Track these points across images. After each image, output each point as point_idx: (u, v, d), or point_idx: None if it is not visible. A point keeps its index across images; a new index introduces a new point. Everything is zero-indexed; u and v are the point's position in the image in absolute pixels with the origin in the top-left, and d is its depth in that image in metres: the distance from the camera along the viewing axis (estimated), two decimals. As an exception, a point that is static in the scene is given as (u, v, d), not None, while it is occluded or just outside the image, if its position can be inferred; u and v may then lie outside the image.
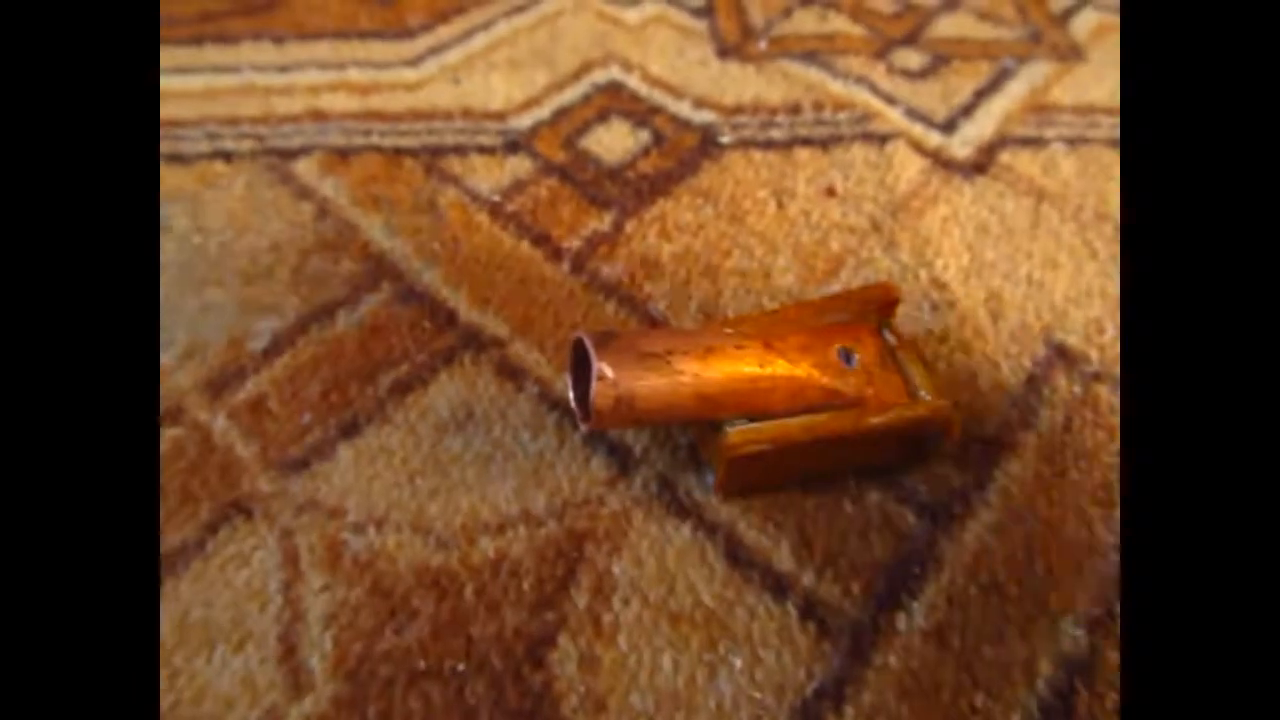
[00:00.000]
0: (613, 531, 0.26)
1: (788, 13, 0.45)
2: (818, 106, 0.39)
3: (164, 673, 0.23)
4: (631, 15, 0.44)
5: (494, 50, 0.42)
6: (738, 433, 0.25)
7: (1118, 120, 0.36)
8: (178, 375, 0.29)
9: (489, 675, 0.23)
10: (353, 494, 0.27)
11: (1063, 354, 0.30)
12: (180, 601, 0.25)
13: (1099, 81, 0.41)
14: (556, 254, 0.33)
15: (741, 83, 0.41)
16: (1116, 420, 0.28)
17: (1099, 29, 0.45)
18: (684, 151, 0.37)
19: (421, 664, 0.23)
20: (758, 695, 0.23)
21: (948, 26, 0.45)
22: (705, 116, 0.39)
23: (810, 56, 0.42)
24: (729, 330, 0.26)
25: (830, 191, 0.35)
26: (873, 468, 0.27)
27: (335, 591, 0.25)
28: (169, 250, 0.33)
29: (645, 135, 0.38)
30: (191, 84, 0.40)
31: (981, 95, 0.41)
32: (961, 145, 0.38)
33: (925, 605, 0.24)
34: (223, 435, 0.28)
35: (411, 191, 0.35)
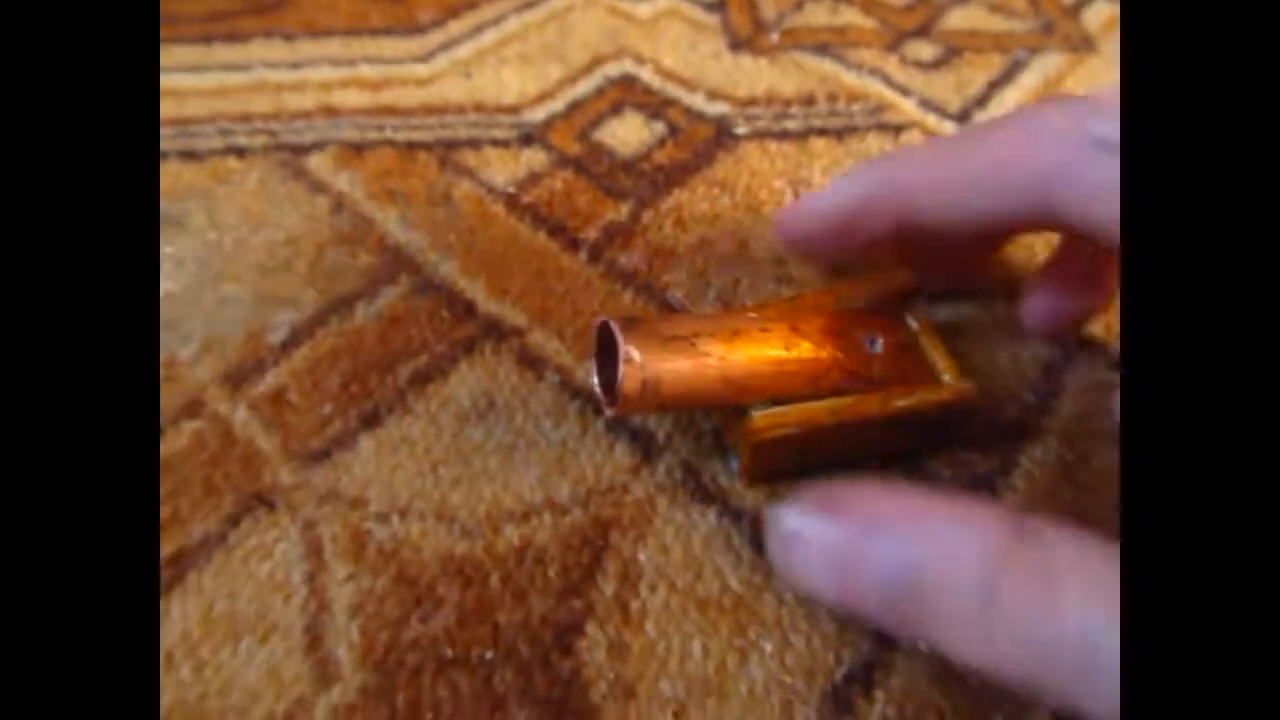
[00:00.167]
0: (638, 519, 0.26)
1: (799, 6, 0.45)
2: (832, 98, 0.39)
3: (189, 665, 0.23)
4: (643, 9, 0.44)
5: (505, 45, 0.42)
6: (763, 416, 0.24)
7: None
8: (197, 369, 0.29)
9: (517, 663, 0.23)
10: (375, 484, 0.26)
11: (1083, 340, 0.30)
12: (204, 594, 0.24)
13: (1111, 73, 0.41)
14: (573, 244, 0.33)
15: (755, 75, 0.41)
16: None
17: (1111, 21, 0.45)
18: (698, 143, 0.37)
19: (449, 652, 0.23)
20: (788, 680, 0.23)
21: (960, 19, 0.45)
22: (719, 108, 0.39)
23: (823, 49, 0.42)
24: (753, 314, 0.26)
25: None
26: (896, 453, 0.27)
27: (360, 581, 0.25)
28: (185, 247, 0.33)
29: (660, 127, 0.38)
30: (203, 82, 0.40)
31: (994, 86, 0.41)
32: (976, 135, 0.38)
33: (954, 589, 0.24)
34: (243, 427, 0.28)
35: (426, 185, 0.35)
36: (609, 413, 0.25)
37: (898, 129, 0.38)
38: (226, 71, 0.41)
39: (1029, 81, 0.41)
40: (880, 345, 0.26)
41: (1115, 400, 0.27)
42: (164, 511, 0.26)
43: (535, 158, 0.36)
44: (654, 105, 0.39)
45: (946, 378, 0.26)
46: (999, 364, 0.30)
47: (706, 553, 0.25)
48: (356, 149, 0.37)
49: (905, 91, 0.40)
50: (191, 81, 0.40)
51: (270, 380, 0.29)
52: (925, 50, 0.42)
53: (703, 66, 0.41)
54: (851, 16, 0.44)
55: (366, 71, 0.41)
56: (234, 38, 0.43)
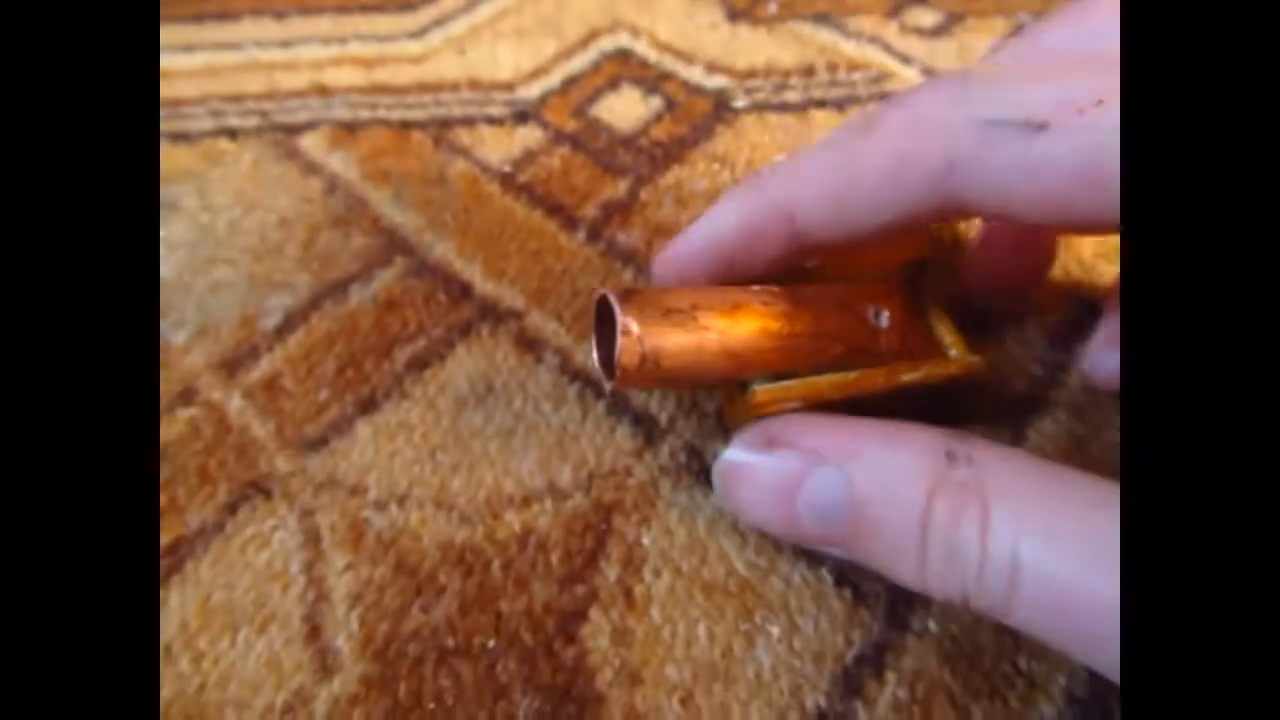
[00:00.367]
0: (641, 502, 0.25)
1: (797, -26, 0.44)
2: (832, 68, 0.39)
3: (188, 656, 0.23)
4: (638, -19, 0.44)
5: (500, 20, 0.41)
6: (765, 391, 0.24)
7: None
8: (190, 355, 0.29)
9: (520, 651, 0.23)
10: (373, 471, 0.26)
11: (1091, 310, 0.30)
12: (201, 584, 0.24)
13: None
14: (571, 223, 0.32)
15: (753, 46, 0.40)
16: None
17: (1115, -17, 0.44)
18: (697, 117, 0.36)
19: (451, 642, 0.23)
20: (797, 664, 0.23)
21: (961, -16, 0.44)
22: (717, 81, 0.38)
23: (822, 18, 0.41)
24: (756, 287, 0.25)
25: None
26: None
27: (359, 570, 0.24)
28: (177, 230, 0.33)
29: (657, 102, 0.37)
30: (194, 62, 0.40)
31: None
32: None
33: (964, 568, 0.24)
34: (238, 415, 0.27)
35: (421, 164, 0.35)
36: (609, 387, 0.24)
37: (900, 99, 0.37)
38: (217, 51, 0.40)
39: (1033, 48, 0.40)
40: (886, 319, 0.26)
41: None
42: (160, 501, 0.25)
43: (531, 135, 0.36)
44: (651, 79, 0.38)
45: (954, 352, 0.25)
46: (1005, 336, 0.29)
47: (711, 535, 0.25)
48: (350, 128, 0.36)
49: (906, 59, 0.39)
50: (183, 61, 0.40)
51: (265, 366, 0.28)
52: (926, 17, 0.42)
53: (700, 38, 0.40)
54: (851, -16, 0.44)
55: (359, 49, 0.40)
56: (225, 16, 0.42)
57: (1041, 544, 0.18)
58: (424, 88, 0.38)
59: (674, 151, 0.35)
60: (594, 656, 0.23)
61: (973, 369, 0.25)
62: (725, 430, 0.27)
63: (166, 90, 0.38)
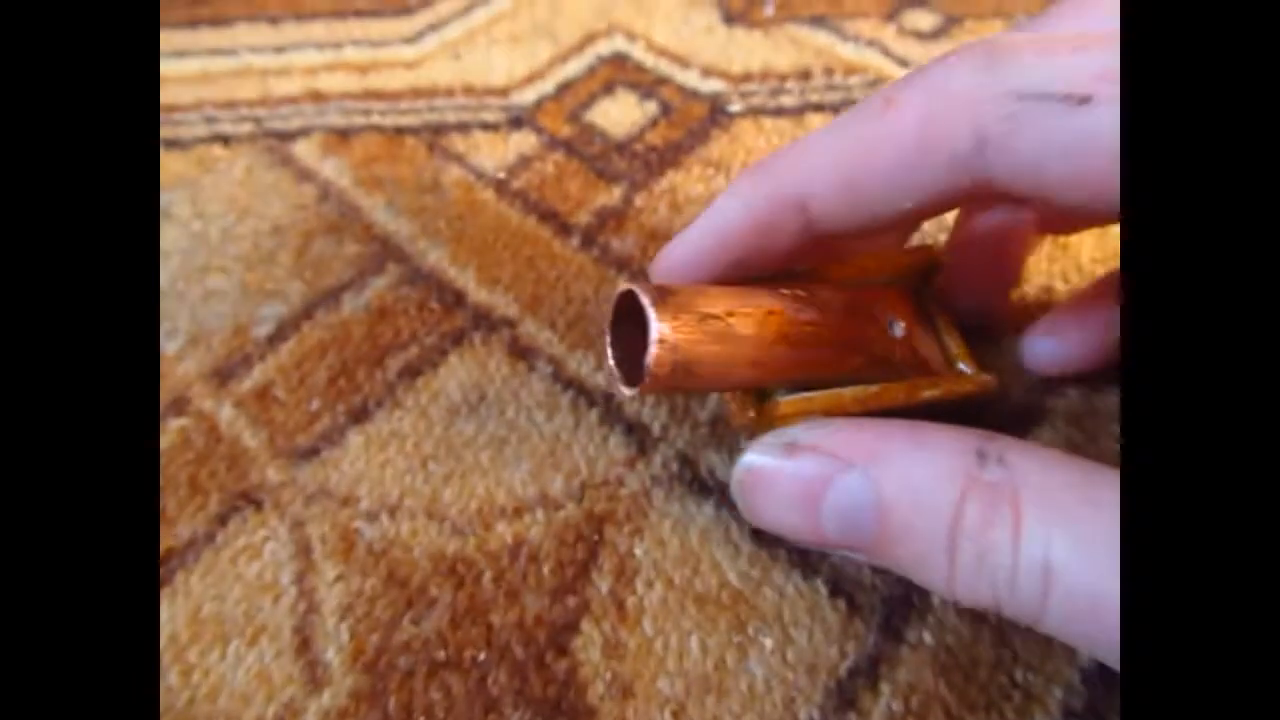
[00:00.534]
0: (633, 512, 0.25)
1: (794, -23, 0.44)
2: (828, 71, 0.38)
3: (177, 669, 0.23)
4: (634, -16, 0.43)
5: (495, 24, 0.41)
6: (789, 404, 0.23)
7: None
8: (183, 364, 0.29)
9: (511, 664, 0.23)
10: (364, 481, 0.26)
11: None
12: (192, 596, 0.24)
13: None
14: (565, 230, 0.32)
15: (749, 50, 0.40)
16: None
17: (1114, -16, 0.43)
18: (693, 122, 0.36)
19: (441, 654, 0.23)
20: (790, 676, 0.22)
21: (958, -14, 0.44)
22: (713, 85, 0.38)
23: (819, 20, 0.41)
24: (784, 290, 0.23)
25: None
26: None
27: (350, 582, 0.24)
28: (170, 238, 0.32)
29: (652, 106, 0.37)
30: (187, 67, 0.39)
31: (996, 55, 0.40)
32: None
33: (959, 579, 0.24)
34: (229, 425, 0.27)
35: (414, 171, 0.34)
36: (626, 393, 0.23)
37: (897, 103, 0.37)
38: (211, 56, 0.40)
39: (1031, 51, 0.40)
40: (901, 329, 0.25)
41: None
42: (150, 513, 0.25)
43: (525, 141, 0.36)
44: (646, 84, 0.38)
45: (963, 365, 0.25)
46: (1004, 345, 0.29)
47: (704, 546, 0.24)
48: (343, 135, 0.36)
49: (904, 63, 0.39)
50: (176, 67, 0.40)
51: (257, 376, 0.28)
52: (924, 19, 0.41)
53: (696, 42, 0.40)
54: (848, -13, 0.43)
55: (353, 54, 0.40)
56: (219, 21, 0.42)
57: (1075, 549, 0.17)
58: (418, 93, 0.38)
59: (669, 157, 0.35)
60: (585, 669, 0.23)
61: (987, 388, 0.25)
62: (719, 439, 0.26)
63: (160, 96, 0.38)
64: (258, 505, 0.25)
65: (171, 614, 0.24)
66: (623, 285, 0.22)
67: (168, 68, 0.39)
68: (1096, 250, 0.31)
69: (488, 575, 0.24)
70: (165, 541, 0.25)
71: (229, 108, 0.37)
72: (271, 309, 0.30)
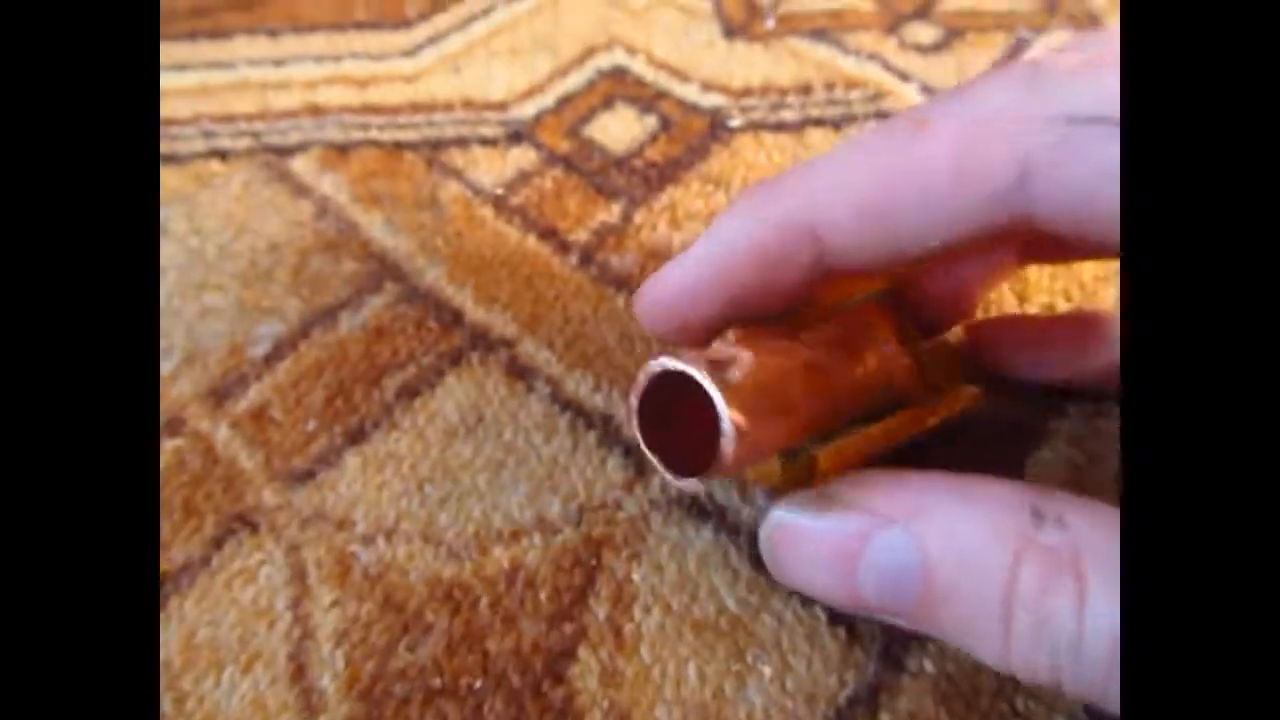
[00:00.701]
0: (631, 537, 0.25)
1: (794, -11, 0.44)
2: (829, 86, 0.38)
3: (171, 696, 0.23)
4: (634, -3, 0.43)
5: (494, 38, 0.41)
6: (826, 456, 0.21)
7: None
8: (178, 384, 0.28)
9: (507, 691, 0.22)
10: (360, 504, 0.26)
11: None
12: (186, 621, 0.24)
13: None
14: (564, 247, 0.32)
15: (750, 64, 0.39)
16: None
17: (1116, -3, 0.43)
18: (692, 137, 0.36)
19: (437, 681, 0.23)
20: (789, 704, 0.22)
21: (960, -2, 0.43)
22: (713, 100, 0.38)
23: (819, 34, 0.41)
24: (806, 334, 0.21)
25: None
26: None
27: (345, 607, 0.24)
28: (167, 253, 0.32)
29: (652, 121, 0.37)
30: (186, 81, 0.39)
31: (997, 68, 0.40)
32: (979, 121, 0.36)
33: (960, 606, 0.23)
34: (225, 446, 0.27)
35: (413, 187, 0.34)
36: (674, 482, 0.21)
37: (898, 117, 0.37)
38: (209, 69, 0.40)
39: (1033, 64, 0.40)
40: (891, 349, 0.24)
41: None
42: (144, 536, 0.25)
43: (524, 156, 0.35)
44: (646, 98, 0.38)
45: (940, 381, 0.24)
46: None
47: (702, 571, 0.24)
48: (341, 150, 0.36)
49: (905, 77, 0.39)
50: (174, 80, 0.39)
51: (253, 396, 0.28)
52: (925, 33, 0.41)
53: (696, 56, 0.40)
54: (849, -1, 0.43)
55: (352, 68, 0.40)
56: (218, 34, 0.42)
57: None
58: (416, 107, 0.38)
59: (668, 173, 0.35)
60: (583, 698, 0.22)
61: (977, 401, 0.24)
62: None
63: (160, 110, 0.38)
64: (253, 528, 0.25)
65: (166, 639, 0.23)
66: (668, 362, 0.19)
67: (166, 81, 0.39)
68: (1099, 268, 0.31)
69: (484, 601, 0.24)
70: (160, 565, 0.25)
71: (227, 122, 0.37)
72: (268, 327, 0.30)
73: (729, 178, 0.34)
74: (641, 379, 0.20)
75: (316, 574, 0.24)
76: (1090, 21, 0.42)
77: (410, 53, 0.41)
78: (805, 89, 0.38)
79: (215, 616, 0.24)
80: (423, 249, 0.32)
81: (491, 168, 0.35)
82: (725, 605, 0.24)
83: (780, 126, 0.37)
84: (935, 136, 0.18)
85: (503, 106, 0.38)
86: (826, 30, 0.41)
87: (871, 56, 0.40)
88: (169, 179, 0.35)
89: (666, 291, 0.22)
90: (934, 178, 0.18)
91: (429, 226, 0.33)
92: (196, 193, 0.34)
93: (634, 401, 0.20)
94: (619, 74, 0.39)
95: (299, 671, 0.23)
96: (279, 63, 0.40)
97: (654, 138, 0.36)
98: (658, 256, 0.32)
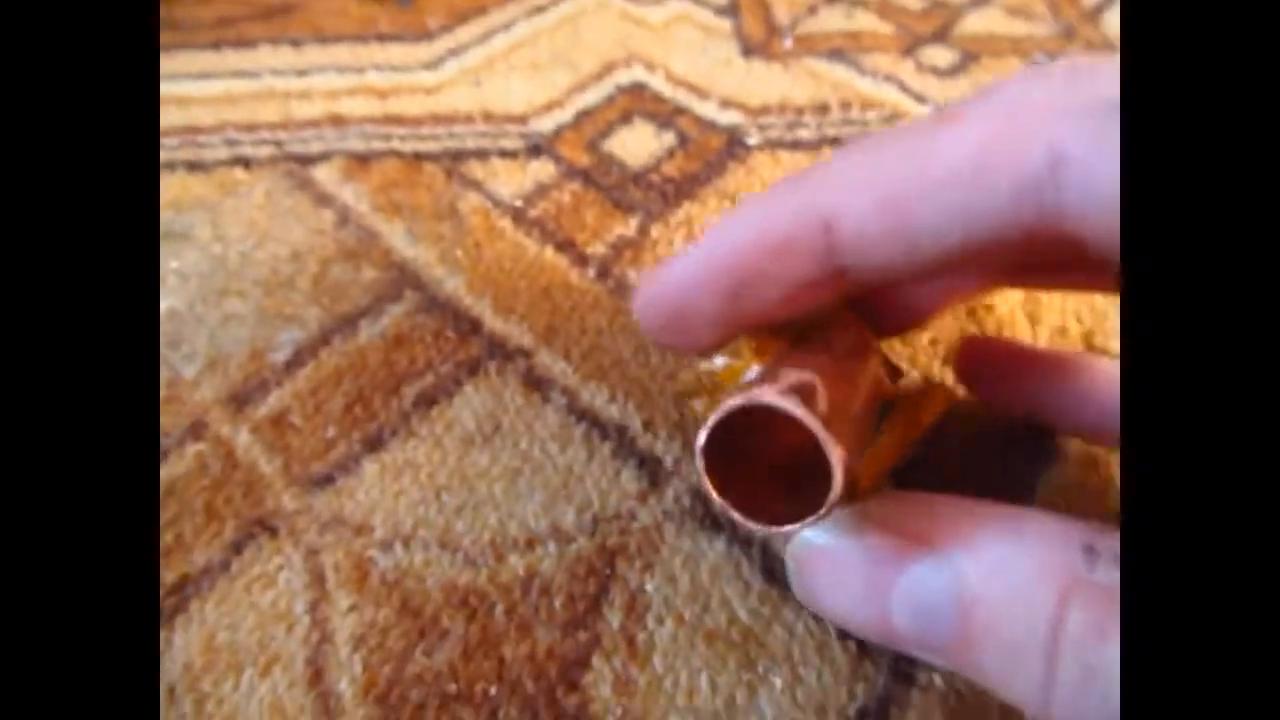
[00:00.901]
0: (645, 547, 0.25)
1: (813, 10, 0.44)
2: (845, 105, 0.39)
3: (191, 698, 0.23)
4: (654, 14, 0.44)
5: (514, 52, 0.42)
6: (864, 474, 0.20)
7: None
8: (200, 389, 0.29)
9: (522, 698, 0.23)
10: (378, 510, 0.26)
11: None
12: (206, 624, 0.24)
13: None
14: (581, 260, 0.32)
15: (767, 82, 0.40)
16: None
17: (1131, 21, 0.44)
18: (710, 153, 0.36)
19: (453, 687, 0.23)
20: (799, 716, 0.22)
21: (977, 23, 0.44)
22: (731, 117, 0.38)
23: (837, 54, 0.41)
24: (839, 347, 0.21)
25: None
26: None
27: (363, 612, 0.24)
28: (190, 260, 0.33)
29: (670, 137, 0.37)
30: (211, 89, 0.40)
31: (1012, 91, 0.40)
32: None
33: (970, 622, 0.24)
34: (246, 451, 0.27)
35: (433, 197, 0.35)
36: (758, 530, 0.19)
37: (913, 138, 0.37)
38: (234, 79, 0.41)
39: (1048, 87, 0.40)
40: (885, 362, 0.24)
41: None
42: (167, 538, 0.25)
43: (543, 169, 0.36)
44: (665, 114, 0.38)
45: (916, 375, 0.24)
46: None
47: (715, 582, 0.24)
48: (363, 160, 0.36)
49: (921, 99, 0.39)
50: (199, 89, 0.40)
51: (273, 402, 0.28)
52: (942, 56, 0.42)
53: (714, 73, 0.40)
54: (866, 21, 0.44)
55: (374, 79, 0.40)
56: (242, 43, 0.43)
57: None
58: (437, 119, 0.38)
59: (685, 188, 0.35)
60: (596, 705, 0.23)
61: (952, 396, 0.25)
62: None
63: (183, 118, 0.38)
64: (273, 533, 0.26)
65: (186, 642, 0.24)
66: (760, 397, 0.17)
67: (192, 89, 0.40)
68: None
69: (500, 608, 0.24)
70: (181, 568, 0.25)
71: (251, 130, 0.38)
72: (289, 334, 0.30)
73: (745, 194, 0.35)
74: (713, 420, 0.18)
75: (335, 579, 0.25)
76: (1106, 47, 0.42)
77: (432, 65, 0.41)
78: (822, 108, 0.39)
79: (235, 620, 0.24)
80: (442, 259, 0.32)
81: (511, 180, 0.35)
82: (737, 616, 0.24)
83: (796, 145, 0.37)
84: (964, 126, 0.17)
85: (522, 120, 0.38)
86: (844, 51, 0.42)
87: (888, 78, 0.40)
88: (194, 186, 0.35)
89: (668, 283, 0.20)
90: (958, 164, 0.17)
91: (449, 237, 0.33)
92: (220, 200, 0.35)
93: (700, 459, 0.18)
94: (638, 90, 0.40)
95: (317, 675, 0.23)
96: (302, 73, 0.41)
97: (671, 154, 0.36)
98: (674, 271, 0.32)
